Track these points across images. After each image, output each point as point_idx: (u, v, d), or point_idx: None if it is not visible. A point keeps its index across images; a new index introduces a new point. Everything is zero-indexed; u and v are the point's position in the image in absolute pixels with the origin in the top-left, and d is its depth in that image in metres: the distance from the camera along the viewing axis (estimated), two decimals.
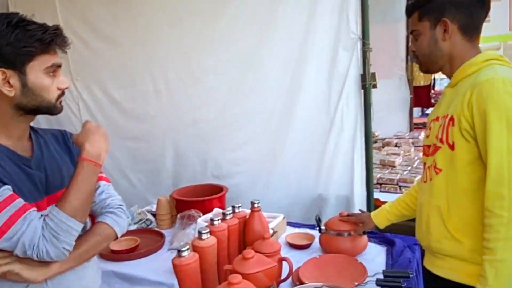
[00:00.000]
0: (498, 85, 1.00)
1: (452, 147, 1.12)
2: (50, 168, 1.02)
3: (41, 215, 0.89)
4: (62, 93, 1.00)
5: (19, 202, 0.85)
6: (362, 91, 2.07)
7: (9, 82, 0.88)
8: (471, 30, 1.17)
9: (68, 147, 1.12)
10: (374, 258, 1.61)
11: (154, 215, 2.10)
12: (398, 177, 2.76)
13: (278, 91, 2.24)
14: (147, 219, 2.07)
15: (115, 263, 1.62)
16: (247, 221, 1.57)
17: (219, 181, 2.33)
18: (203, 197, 2.00)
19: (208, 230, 1.25)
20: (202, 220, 1.75)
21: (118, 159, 2.68)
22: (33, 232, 0.84)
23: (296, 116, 2.23)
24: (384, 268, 1.51)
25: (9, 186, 0.85)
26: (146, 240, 1.82)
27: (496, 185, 1.00)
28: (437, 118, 1.22)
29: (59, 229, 0.87)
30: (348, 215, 1.67)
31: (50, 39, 0.91)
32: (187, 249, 1.12)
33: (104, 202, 1.10)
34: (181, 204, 1.97)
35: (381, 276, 1.35)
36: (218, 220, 1.39)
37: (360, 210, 1.96)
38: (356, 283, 1.33)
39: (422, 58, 1.27)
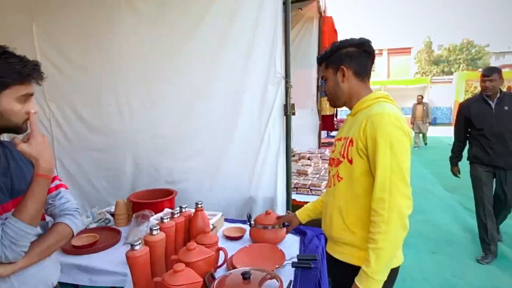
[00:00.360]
0: (385, 118, 1.17)
1: (350, 161, 1.27)
2: (15, 175, 1.02)
3: (1, 223, 0.89)
4: (28, 118, 0.98)
5: None
6: (285, 117, 2.24)
7: None
8: (363, 74, 1.35)
9: None
10: (291, 245, 1.76)
11: (112, 214, 2.12)
12: (309, 182, 2.93)
13: (221, 115, 2.35)
14: (106, 218, 2.10)
15: (77, 256, 1.63)
16: (192, 219, 1.64)
17: (171, 186, 2.41)
18: (156, 199, 2.05)
19: (158, 227, 1.29)
20: (154, 219, 1.80)
21: (84, 167, 2.74)
22: None
23: (234, 135, 2.34)
24: (298, 253, 1.65)
25: None
26: (105, 236, 1.84)
27: (380, 192, 1.14)
28: (340, 139, 1.39)
29: (18, 236, 0.87)
30: (278, 217, 1.77)
31: (28, 73, 0.94)
32: (139, 243, 1.13)
33: (63, 206, 1.11)
34: (137, 205, 2.00)
35: (295, 260, 1.50)
36: (167, 218, 1.45)
37: (287, 211, 2.11)
38: (277, 266, 1.44)
39: (330, 96, 1.44)
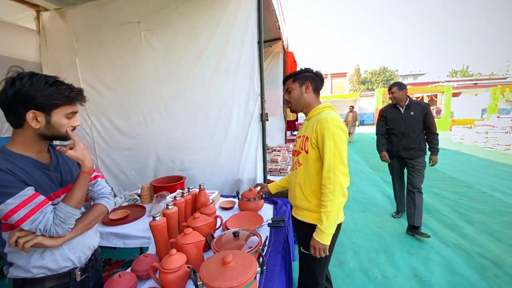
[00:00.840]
0: (329, 121, 1.19)
1: (307, 152, 1.29)
2: (63, 170, 1.00)
3: (53, 207, 0.88)
4: (74, 128, 0.96)
5: (39, 199, 0.84)
6: (261, 122, 2.24)
7: (37, 119, 0.86)
8: (317, 91, 1.39)
9: None
10: (267, 211, 1.75)
11: (139, 195, 2.10)
12: (279, 167, 2.93)
13: (216, 122, 2.33)
14: (134, 198, 2.09)
15: (114, 227, 1.62)
16: (197, 196, 1.61)
17: (183, 173, 2.41)
18: (170, 183, 2.03)
19: (172, 203, 1.28)
20: (170, 197, 1.77)
21: (118, 162, 2.70)
22: (46, 221, 0.84)
23: (226, 136, 2.32)
24: (272, 216, 1.67)
25: (32, 187, 0.84)
26: (134, 211, 1.83)
27: (327, 172, 1.17)
28: (300, 136, 1.38)
29: (66, 217, 0.87)
30: (256, 184, 1.80)
31: (73, 97, 0.91)
32: (159, 215, 1.13)
33: (100, 191, 1.10)
34: (157, 188, 1.98)
35: (270, 221, 1.53)
36: (179, 196, 1.46)
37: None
38: (257, 226, 1.47)
39: (293, 103, 1.40)
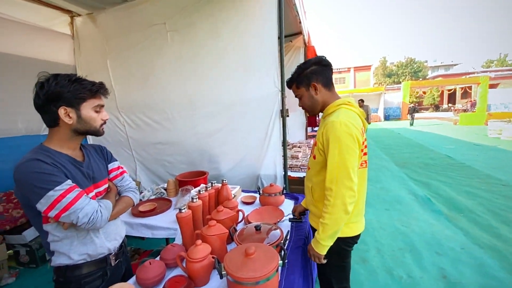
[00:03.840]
0: (336, 125, 1.03)
1: (314, 157, 1.18)
2: (95, 168, 1.04)
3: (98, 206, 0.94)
4: (104, 122, 1.02)
5: (78, 189, 0.90)
6: (281, 118, 2.22)
7: (69, 115, 0.91)
8: (329, 84, 1.18)
9: (103, 154, 1.15)
10: (288, 207, 1.72)
11: (165, 189, 2.14)
12: (300, 163, 2.84)
13: (239, 118, 2.34)
14: (161, 192, 2.13)
15: (143, 218, 1.67)
16: (219, 190, 1.62)
17: (211, 165, 2.48)
18: (194, 178, 2.06)
19: (197, 196, 1.30)
20: (194, 191, 1.79)
21: (151, 155, 2.80)
22: (92, 207, 0.91)
23: (248, 131, 2.33)
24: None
25: (70, 180, 0.89)
26: (161, 204, 1.87)
27: (329, 183, 1.05)
28: (315, 137, 1.24)
29: (107, 212, 0.97)
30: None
31: (96, 89, 0.95)
32: (185, 208, 1.16)
33: (127, 185, 1.16)
34: (182, 182, 2.01)
35: (291, 216, 1.51)
36: (203, 190, 1.46)
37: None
38: (278, 220, 1.47)
39: (308, 109, 1.25)
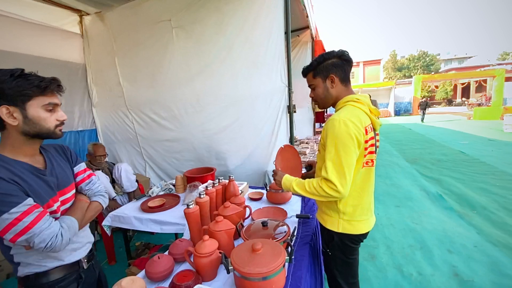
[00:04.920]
0: (335, 123, 1.02)
1: (319, 152, 1.18)
2: (59, 174, 0.95)
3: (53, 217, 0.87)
4: (61, 123, 0.90)
5: (38, 210, 0.80)
6: (288, 114, 2.25)
7: (13, 116, 0.80)
8: (346, 80, 1.16)
9: (67, 156, 1.04)
10: (295, 203, 1.72)
11: (174, 185, 2.14)
12: (307, 159, 2.61)
13: (245, 114, 2.36)
14: (169, 188, 2.14)
15: (152, 214, 1.68)
16: (227, 187, 1.62)
17: (218, 161, 2.50)
18: (202, 174, 2.06)
19: (204, 192, 1.30)
20: (202, 187, 1.77)
21: (159, 152, 2.85)
22: (51, 231, 0.82)
23: (255, 127, 2.35)
24: (300, 209, 1.64)
25: (31, 199, 0.80)
26: (169, 199, 1.88)
27: (323, 171, 1.05)
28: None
29: (72, 226, 0.90)
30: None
31: (45, 85, 0.83)
32: (192, 204, 1.16)
33: (95, 189, 1.08)
34: (190, 178, 2.02)
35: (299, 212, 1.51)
36: (210, 186, 1.47)
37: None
38: (283, 218, 1.45)
39: (320, 101, 1.21)
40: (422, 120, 15.05)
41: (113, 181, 2.50)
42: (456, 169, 5.08)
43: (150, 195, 2.02)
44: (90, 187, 1.07)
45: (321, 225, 1.27)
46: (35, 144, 0.90)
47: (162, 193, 2.10)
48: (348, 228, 1.15)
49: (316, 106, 4.74)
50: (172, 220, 1.61)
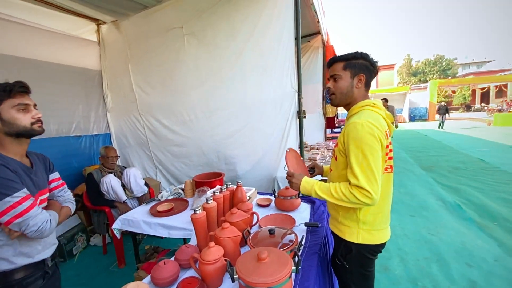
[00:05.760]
0: (357, 126, 0.98)
1: (336, 158, 1.14)
2: (39, 176, 1.06)
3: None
4: (38, 121, 0.99)
5: (32, 199, 0.92)
6: (298, 120, 2.22)
7: None
8: (368, 86, 1.14)
9: (45, 164, 1.15)
10: (304, 211, 1.69)
11: (183, 190, 2.15)
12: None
13: (255, 119, 2.37)
14: (178, 192, 2.14)
15: (160, 218, 1.68)
16: (234, 192, 1.60)
17: (227, 166, 2.50)
18: (210, 179, 2.07)
19: (212, 198, 1.29)
20: (210, 192, 1.76)
21: (169, 156, 2.88)
22: (43, 217, 0.94)
23: (265, 133, 2.34)
24: (309, 217, 1.59)
25: (26, 189, 0.91)
26: (178, 204, 1.88)
27: (351, 176, 1.00)
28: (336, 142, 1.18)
29: (55, 223, 1.01)
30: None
31: (9, 89, 0.93)
32: (200, 209, 1.15)
33: (67, 196, 1.21)
34: (198, 183, 2.03)
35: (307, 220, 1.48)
36: (218, 192, 1.46)
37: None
38: (291, 226, 1.40)
39: (338, 95, 1.14)
40: (441, 126, 13.84)
41: (123, 185, 2.54)
42: (475, 177, 4.86)
43: (159, 199, 2.04)
44: (63, 194, 1.19)
45: (336, 236, 1.22)
46: (23, 144, 1.00)
47: (171, 197, 2.11)
48: (368, 238, 1.11)
49: (328, 111, 4.68)
50: (179, 225, 1.61)
